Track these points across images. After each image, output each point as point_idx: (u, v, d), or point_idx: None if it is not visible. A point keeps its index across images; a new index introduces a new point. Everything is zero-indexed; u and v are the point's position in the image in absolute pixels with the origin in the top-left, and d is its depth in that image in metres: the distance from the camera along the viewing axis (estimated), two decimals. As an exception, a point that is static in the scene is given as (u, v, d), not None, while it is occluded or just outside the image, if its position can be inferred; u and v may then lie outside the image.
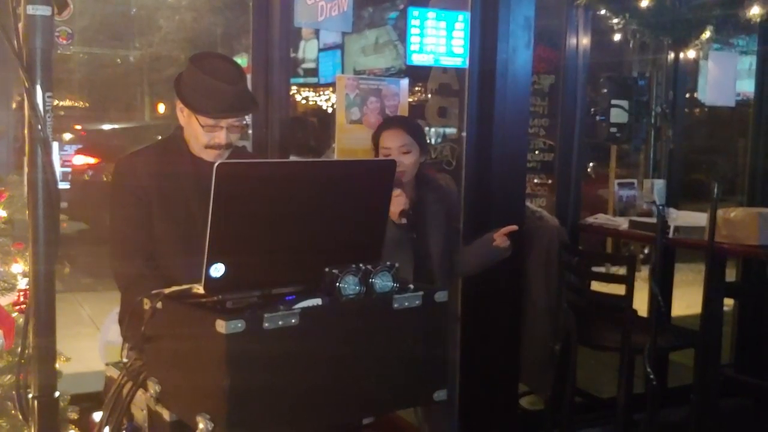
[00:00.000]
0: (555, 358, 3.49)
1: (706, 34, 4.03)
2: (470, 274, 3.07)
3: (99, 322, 3.15)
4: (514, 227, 2.79)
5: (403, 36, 3.57)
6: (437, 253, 2.93)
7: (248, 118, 3.12)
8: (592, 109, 3.84)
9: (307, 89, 10.81)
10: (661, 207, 2.98)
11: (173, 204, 2.22)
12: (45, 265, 1.39)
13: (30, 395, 1.44)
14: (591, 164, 7.58)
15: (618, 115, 3.57)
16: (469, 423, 3.53)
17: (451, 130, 3.88)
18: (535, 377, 3.57)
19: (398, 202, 2.73)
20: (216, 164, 1.47)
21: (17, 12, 1.39)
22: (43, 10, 1.38)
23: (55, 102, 1.46)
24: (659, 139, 4.23)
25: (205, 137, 2.20)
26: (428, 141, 3.07)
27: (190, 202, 2.19)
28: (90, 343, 3.29)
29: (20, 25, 1.39)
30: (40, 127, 1.36)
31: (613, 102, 3.58)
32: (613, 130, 3.59)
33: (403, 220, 2.72)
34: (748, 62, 4.75)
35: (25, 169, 1.42)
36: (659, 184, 4.06)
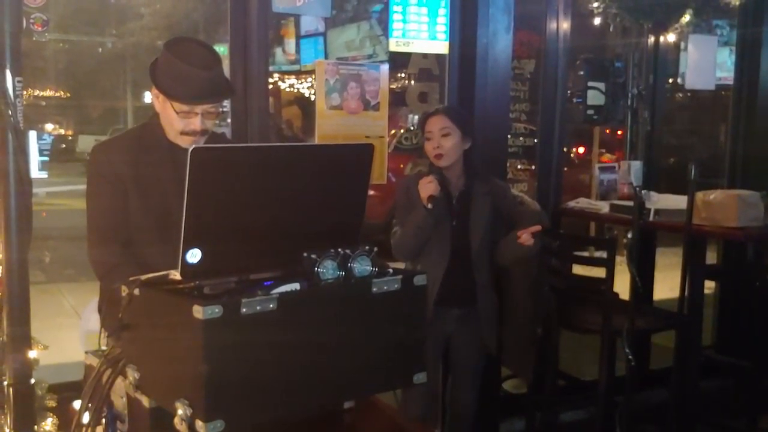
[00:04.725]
0: (537, 341, 3.51)
1: (686, 18, 4.04)
2: (506, 267, 3.16)
3: (82, 312, 3.14)
4: (539, 227, 2.85)
5: (386, 29, 3.58)
6: (477, 243, 3.01)
7: (227, 105, 3.09)
8: (569, 91, 3.86)
9: (289, 76, 10.76)
10: (637, 188, 3.00)
11: (149, 191, 2.21)
12: (18, 253, 1.38)
13: (5, 383, 1.43)
14: (575, 150, 7.62)
15: (595, 96, 3.59)
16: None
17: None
18: (517, 361, 3.58)
19: (428, 188, 2.85)
20: (191, 149, 1.46)
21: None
22: (11, -6, 1.36)
23: (36, 92, 1.45)
24: (636, 122, 4.25)
25: (180, 123, 2.17)
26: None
27: (167, 188, 2.17)
28: (72, 333, 3.27)
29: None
30: (11, 112, 1.34)
31: (590, 84, 3.59)
32: (590, 111, 3.61)
33: (430, 206, 2.82)
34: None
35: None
36: (636, 165, 4.08)
